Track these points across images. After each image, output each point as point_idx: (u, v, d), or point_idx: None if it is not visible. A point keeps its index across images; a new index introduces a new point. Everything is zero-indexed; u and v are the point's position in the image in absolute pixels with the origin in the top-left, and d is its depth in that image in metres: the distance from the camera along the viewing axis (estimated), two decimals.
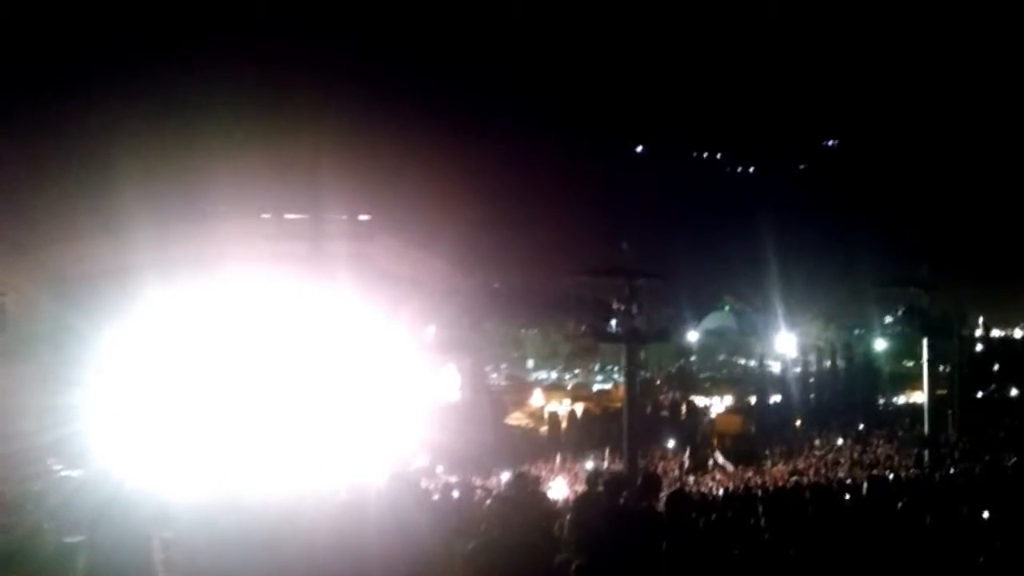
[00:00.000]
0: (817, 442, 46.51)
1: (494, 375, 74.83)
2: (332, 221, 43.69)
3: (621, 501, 10.38)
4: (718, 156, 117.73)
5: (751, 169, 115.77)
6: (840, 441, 45.59)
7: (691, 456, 44.73)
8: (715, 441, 50.98)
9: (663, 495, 10.57)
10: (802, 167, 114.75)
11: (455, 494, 16.69)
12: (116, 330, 38.53)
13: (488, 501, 14.32)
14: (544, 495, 13.44)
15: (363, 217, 44.84)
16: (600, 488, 10.91)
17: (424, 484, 21.09)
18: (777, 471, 38.57)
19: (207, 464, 29.09)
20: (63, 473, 23.45)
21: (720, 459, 44.60)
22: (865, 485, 12.63)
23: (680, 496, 10.15)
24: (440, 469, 41.80)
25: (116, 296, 38.82)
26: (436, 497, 15.60)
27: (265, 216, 43.63)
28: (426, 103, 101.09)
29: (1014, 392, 61.46)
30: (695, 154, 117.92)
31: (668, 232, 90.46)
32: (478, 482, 34.51)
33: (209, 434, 35.13)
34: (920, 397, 44.20)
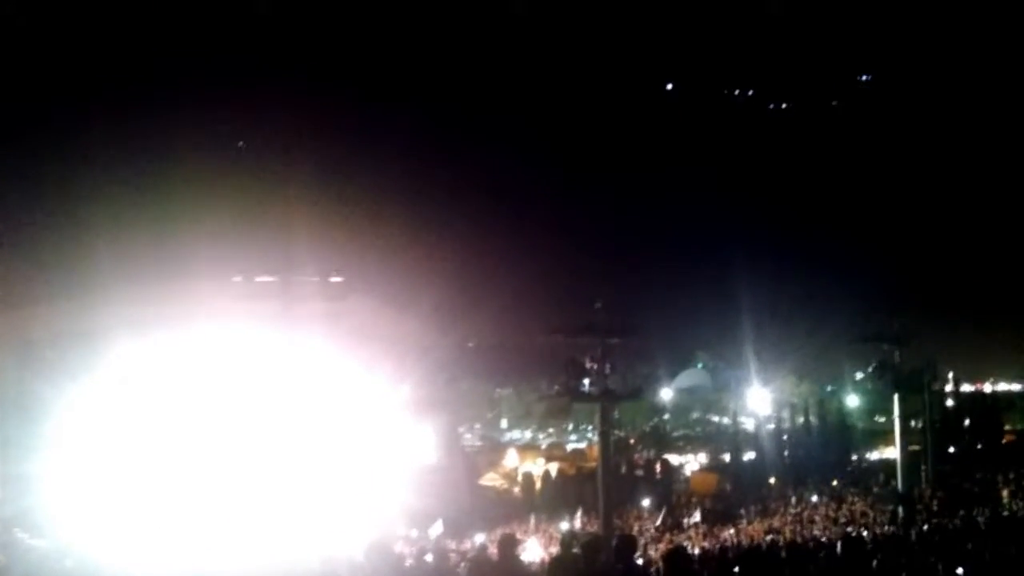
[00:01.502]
0: (792, 499, 46.38)
1: (468, 435, 74.45)
2: (303, 283, 43.54)
3: (598, 564, 10.32)
4: (749, 93, 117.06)
5: (784, 106, 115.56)
6: (815, 498, 45.48)
7: (666, 515, 44.45)
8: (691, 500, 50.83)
9: (651, 552, 10.51)
10: (835, 103, 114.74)
11: (429, 558, 16.51)
12: (83, 396, 38.03)
13: (463, 565, 14.18)
14: (518, 558, 13.30)
15: (335, 278, 44.74)
16: (576, 550, 10.84)
17: (398, 549, 20.86)
18: (753, 529, 38.38)
19: (174, 534, 28.63)
20: (28, 543, 23.02)
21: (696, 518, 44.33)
22: (839, 544, 12.59)
23: (679, 553, 10.09)
24: (415, 532, 41.32)
25: (83, 361, 38.38)
26: (410, 562, 15.42)
27: (236, 279, 43.41)
28: (397, 163, 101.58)
29: (985, 446, 61.74)
30: (725, 92, 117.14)
31: (641, 288, 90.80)
32: (452, 545, 34.19)
33: (177, 502, 34.56)
34: (893, 453, 44.31)
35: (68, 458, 36.83)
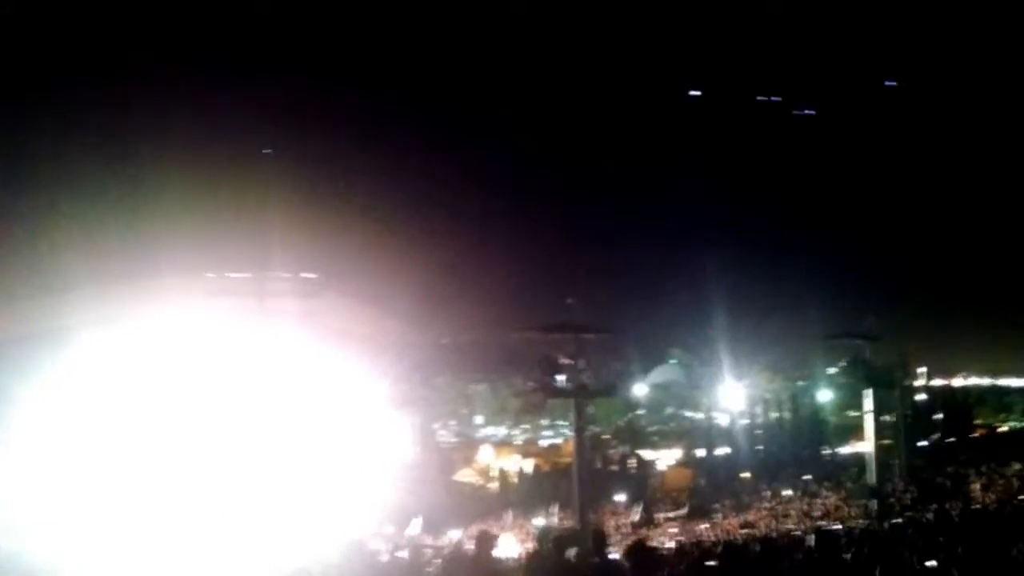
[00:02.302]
0: (767, 494, 46.64)
1: (442, 432, 74.36)
2: (277, 279, 43.24)
3: (570, 558, 10.32)
4: (777, 99, 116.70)
5: (812, 112, 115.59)
6: (789, 492, 45.74)
7: (641, 511, 44.60)
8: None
9: (622, 547, 10.50)
10: (863, 108, 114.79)
11: (403, 554, 16.45)
12: (52, 394, 37.66)
13: (438, 561, 14.13)
14: (495, 555, 13.29)
15: (308, 275, 44.44)
16: (549, 545, 10.84)
17: (374, 545, 20.79)
18: (727, 524, 38.56)
19: (145, 533, 28.37)
20: None
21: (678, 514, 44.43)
22: (812, 538, 12.64)
23: (641, 547, 10.07)
24: (390, 529, 41.24)
25: (53, 359, 38.00)
26: (385, 559, 15.37)
27: (209, 275, 43.05)
28: (373, 160, 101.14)
29: (956, 440, 62.32)
30: (755, 98, 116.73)
31: (614, 285, 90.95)
32: (427, 541, 34.16)
33: (148, 502, 34.24)
34: (866, 447, 44.64)
35: (36, 457, 36.47)
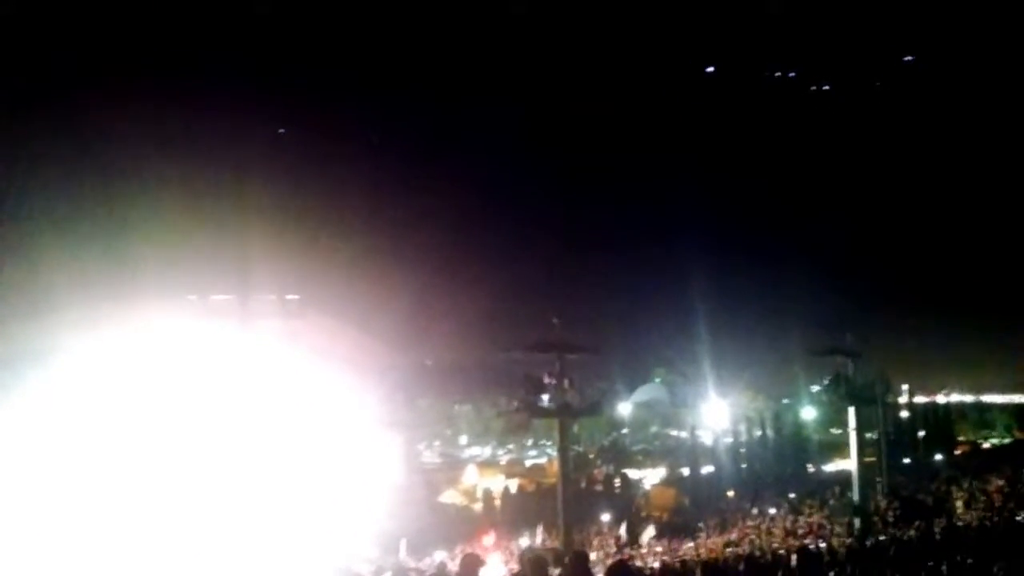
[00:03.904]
0: (752, 511, 46.55)
1: (427, 452, 74.21)
2: (260, 301, 43.08)
3: None
4: (791, 75, 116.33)
5: (826, 88, 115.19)
6: (772, 510, 45.67)
7: (626, 530, 44.41)
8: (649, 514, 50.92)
9: (604, 567, 10.46)
10: (878, 84, 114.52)
11: None
12: (28, 417, 37.26)
13: None
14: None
15: (291, 296, 44.32)
16: (528, 567, 10.79)
17: (357, 568, 20.68)
18: (712, 543, 38.42)
19: (126, 559, 28.07)
20: None
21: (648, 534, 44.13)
22: (794, 557, 12.65)
23: (622, 567, 10.04)
24: (374, 551, 40.95)
25: (30, 382, 37.62)
26: None
27: (191, 297, 42.85)
28: (355, 178, 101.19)
29: (939, 457, 62.60)
30: (768, 74, 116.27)
31: (599, 304, 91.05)
32: (411, 563, 33.94)
33: (133, 528, 33.88)
34: (849, 464, 44.63)
35: (15, 479, 36.03)
